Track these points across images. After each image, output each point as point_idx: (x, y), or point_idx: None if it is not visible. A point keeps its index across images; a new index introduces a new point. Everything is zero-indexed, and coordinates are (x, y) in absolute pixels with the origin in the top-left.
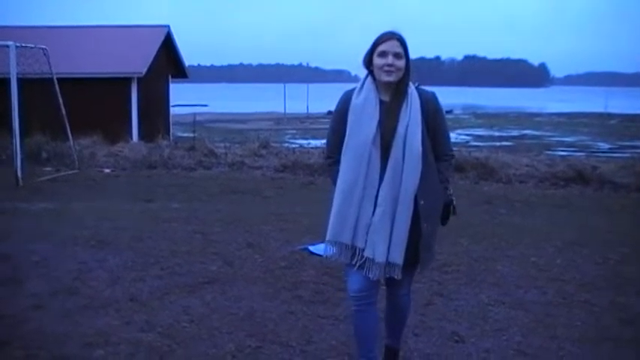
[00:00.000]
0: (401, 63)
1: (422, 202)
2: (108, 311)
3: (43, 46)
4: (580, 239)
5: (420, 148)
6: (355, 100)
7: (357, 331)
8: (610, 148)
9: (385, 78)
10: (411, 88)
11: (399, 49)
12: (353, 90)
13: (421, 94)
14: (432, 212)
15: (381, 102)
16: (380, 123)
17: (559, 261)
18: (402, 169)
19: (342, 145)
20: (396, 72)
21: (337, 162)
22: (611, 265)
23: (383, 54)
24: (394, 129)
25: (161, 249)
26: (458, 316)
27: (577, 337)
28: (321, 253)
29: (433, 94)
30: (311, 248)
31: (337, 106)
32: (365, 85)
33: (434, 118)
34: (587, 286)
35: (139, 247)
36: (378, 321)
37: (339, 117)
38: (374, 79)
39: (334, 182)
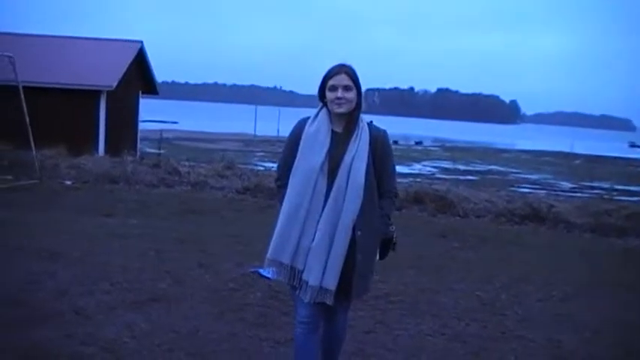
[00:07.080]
0: (351, 95)
1: (359, 233)
2: (51, 324)
3: (9, 54)
4: (527, 276)
5: (363, 179)
6: (308, 129)
7: (298, 355)
8: (572, 188)
9: (337, 110)
10: (363, 123)
11: (348, 82)
12: (308, 118)
13: (372, 130)
14: (368, 244)
15: (334, 132)
16: (329, 151)
17: (503, 296)
18: (343, 198)
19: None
20: (346, 103)
21: (286, 185)
22: (553, 302)
23: (333, 88)
24: (341, 158)
25: (113, 264)
26: (396, 346)
27: None
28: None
29: (384, 132)
30: (262, 271)
31: (291, 133)
32: (319, 116)
33: (381, 156)
34: (526, 321)
35: (92, 261)
36: (319, 347)
37: (292, 143)
38: (329, 110)
39: (281, 204)
